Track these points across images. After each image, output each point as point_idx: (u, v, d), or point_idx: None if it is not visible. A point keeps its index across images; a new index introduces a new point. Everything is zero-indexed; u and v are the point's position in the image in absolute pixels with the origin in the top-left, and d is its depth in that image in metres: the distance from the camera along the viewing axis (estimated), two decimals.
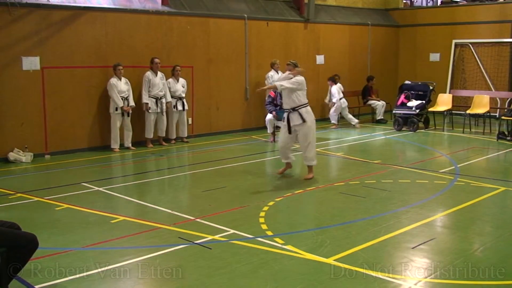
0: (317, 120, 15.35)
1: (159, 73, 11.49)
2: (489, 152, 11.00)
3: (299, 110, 8.26)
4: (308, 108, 8.42)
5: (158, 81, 11.44)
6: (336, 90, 14.45)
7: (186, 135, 12.28)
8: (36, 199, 7.44)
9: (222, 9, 13.33)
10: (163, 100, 11.58)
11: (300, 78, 8.33)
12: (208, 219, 6.41)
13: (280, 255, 5.27)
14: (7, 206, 7.12)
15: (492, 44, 15.99)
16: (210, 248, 5.48)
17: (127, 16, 11.47)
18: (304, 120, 8.26)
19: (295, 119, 8.27)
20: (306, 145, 8.43)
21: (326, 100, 14.84)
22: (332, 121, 14.61)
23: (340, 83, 14.61)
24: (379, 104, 15.37)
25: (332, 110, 14.55)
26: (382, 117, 15.31)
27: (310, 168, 8.62)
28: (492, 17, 16.16)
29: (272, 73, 13.66)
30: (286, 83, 8.21)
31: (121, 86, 10.96)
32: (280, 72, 13.59)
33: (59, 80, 10.63)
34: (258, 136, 12.97)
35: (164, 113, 11.68)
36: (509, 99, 15.19)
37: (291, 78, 8.29)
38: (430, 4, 21.49)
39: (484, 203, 7.23)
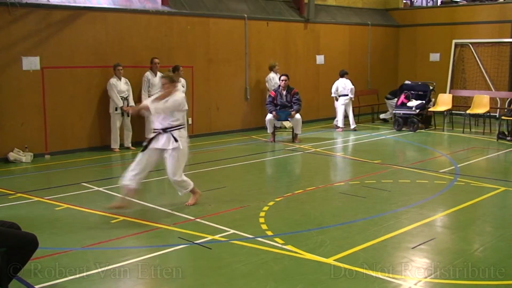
0: (318, 120, 15.56)
1: (158, 73, 11.48)
2: (489, 152, 11.00)
3: (172, 132, 6.77)
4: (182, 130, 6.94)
5: (157, 81, 11.42)
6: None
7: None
8: (36, 199, 7.44)
9: (222, 9, 13.33)
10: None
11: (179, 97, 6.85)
12: (208, 219, 6.40)
13: (280, 255, 5.27)
14: (7, 206, 7.12)
15: (492, 44, 15.99)
16: (210, 248, 5.48)
17: (127, 16, 11.47)
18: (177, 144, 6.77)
19: (165, 142, 6.73)
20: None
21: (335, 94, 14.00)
22: (340, 124, 13.92)
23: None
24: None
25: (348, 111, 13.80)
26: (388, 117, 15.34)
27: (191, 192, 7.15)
28: (492, 17, 16.15)
29: (272, 75, 13.66)
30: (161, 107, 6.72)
31: (121, 86, 10.97)
32: (279, 75, 13.60)
33: (59, 80, 10.63)
34: (258, 136, 12.96)
35: None
36: (509, 99, 15.19)
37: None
38: (430, 4, 21.49)
39: (484, 203, 7.23)
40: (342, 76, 13.98)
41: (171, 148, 6.72)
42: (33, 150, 10.29)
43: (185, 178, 6.96)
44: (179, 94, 6.92)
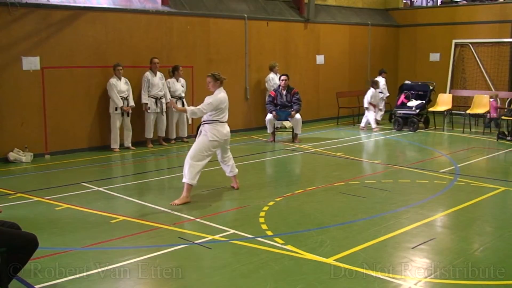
0: (318, 120, 15.55)
1: (158, 73, 11.49)
2: (489, 152, 11.00)
3: (204, 125, 7.48)
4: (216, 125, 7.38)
5: (157, 81, 11.44)
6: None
7: (186, 135, 12.27)
8: (36, 199, 7.43)
9: (222, 9, 13.33)
10: (163, 100, 11.57)
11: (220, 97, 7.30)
12: (208, 219, 6.41)
13: (280, 255, 5.27)
14: (7, 206, 7.10)
15: (492, 44, 16.00)
16: (210, 248, 5.48)
17: (127, 16, 11.47)
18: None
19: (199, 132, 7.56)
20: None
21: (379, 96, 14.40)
22: (374, 125, 13.91)
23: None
24: None
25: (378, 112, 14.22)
26: None
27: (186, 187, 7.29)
28: (492, 17, 16.16)
29: (272, 75, 13.67)
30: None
31: (120, 86, 10.97)
32: (279, 75, 13.60)
33: (59, 80, 10.63)
34: (258, 136, 12.96)
35: (164, 113, 11.68)
36: (509, 99, 15.19)
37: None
38: (430, 4, 21.50)
39: (484, 203, 7.23)
40: (379, 74, 14.86)
41: (199, 136, 7.50)
42: (33, 150, 10.29)
43: (197, 169, 7.28)
44: (217, 95, 7.32)
